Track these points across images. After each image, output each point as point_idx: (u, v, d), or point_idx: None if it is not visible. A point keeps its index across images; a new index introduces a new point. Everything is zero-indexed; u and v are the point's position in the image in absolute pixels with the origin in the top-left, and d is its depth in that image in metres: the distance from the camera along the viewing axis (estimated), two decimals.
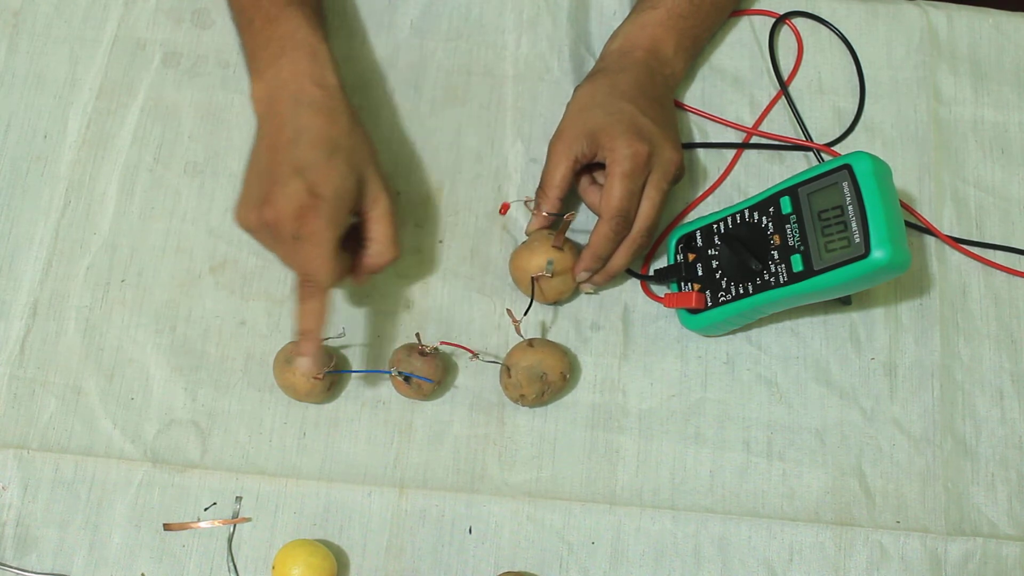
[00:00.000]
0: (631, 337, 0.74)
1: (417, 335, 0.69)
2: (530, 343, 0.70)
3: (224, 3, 0.81)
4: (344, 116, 0.67)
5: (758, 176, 0.79)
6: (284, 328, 0.73)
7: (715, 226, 0.71)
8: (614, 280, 0.75)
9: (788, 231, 0.66)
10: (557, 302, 0.74)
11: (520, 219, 0.76)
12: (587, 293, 0.75)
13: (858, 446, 0.72)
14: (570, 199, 0.74)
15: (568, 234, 0.71)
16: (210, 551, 0.68)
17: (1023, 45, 0.84)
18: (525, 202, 0.72)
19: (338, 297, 0.74)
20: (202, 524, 0.68)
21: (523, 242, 0.73)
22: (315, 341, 0.64)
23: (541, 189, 0.72)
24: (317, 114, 0.66)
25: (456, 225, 0.76)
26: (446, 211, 0.77)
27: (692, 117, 0.81)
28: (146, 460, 0.69)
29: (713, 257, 0.71)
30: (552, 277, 0.70)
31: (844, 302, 0.75)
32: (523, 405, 0.71)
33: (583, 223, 0.76)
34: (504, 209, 0.73)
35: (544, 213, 0.72)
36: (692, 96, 0.81)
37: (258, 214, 0.64)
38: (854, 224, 0.63)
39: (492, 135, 0.79)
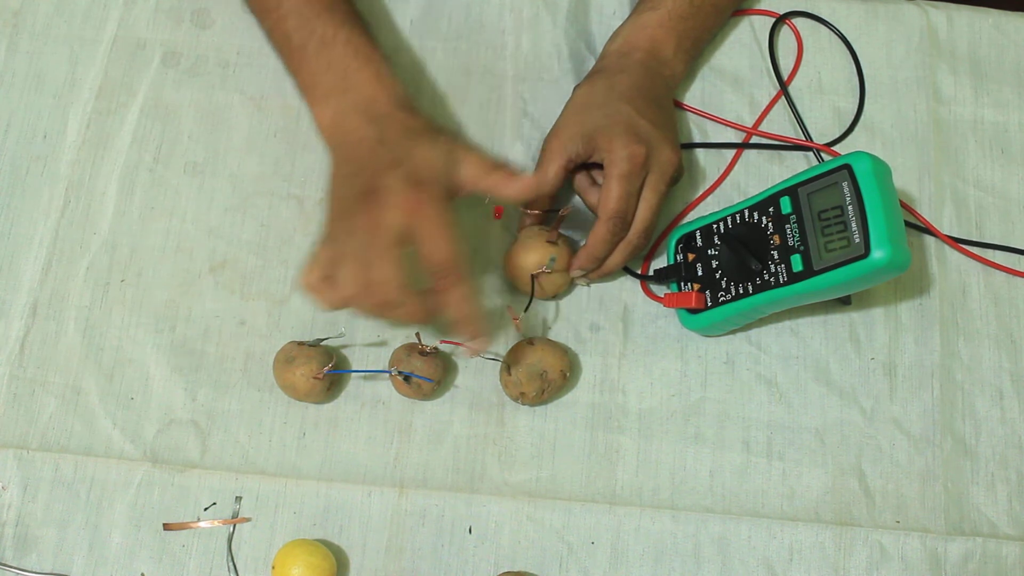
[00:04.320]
0: (631, 337, 0.74)
1: (417, 334, 0.69)
2: (530, 341, 0.70)
3: (224, 3, 0.81)
4: (419, 116, 0.67)
5: (758, 176, 0.79)
6: (284, 328, 0.73)
7: (715, 226, 0.71)
8: (611, 277, 0.75)
9: (788, 231, 0.66)
10: (555, 296, 0.74)
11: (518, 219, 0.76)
12: (580, 284, 0.75)
13: (858, 446, 0.72)
14: (563, 194, 0.74)
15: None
16: (210, 551, 0.68)
17: (1023, 45, 0.84)
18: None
19: None
20: (202, 524, 0.68)
21: (515, 240, 0.73)
22: (480, 322, 0.62)
23: None
24: (393, 122, 0.66)
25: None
26: None
27: (692, 117, 0.81)
28: (146, 460, 0.69)
29: (713, 257, 0.71)
30: (551, 273, 0.70)
31: (844, 302, 0.75)
32: (523, 403, 0.71)
33: (575, 219, 0.76)
34: (498, 214, 0.74)
35: (532, 210, 0.72)
36: (692, 96, 0.81)
37: (361, 219, 0.62)
38: (854, 224, 0.63)
39: (492, 135, 0.79)
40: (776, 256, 0.67)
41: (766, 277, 0.67)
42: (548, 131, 0.73)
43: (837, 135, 0.80)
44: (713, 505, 0.70)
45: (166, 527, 0.68)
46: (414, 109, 0.68)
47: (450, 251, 0.61)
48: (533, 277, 0.71)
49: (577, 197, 0.76)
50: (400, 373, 0.68)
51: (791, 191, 0.67)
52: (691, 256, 0.72)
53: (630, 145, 0.69)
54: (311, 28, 0.69)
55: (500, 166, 0.66)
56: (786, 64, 0.83)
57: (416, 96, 0.79)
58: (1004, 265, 0.77)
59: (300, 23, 0.69)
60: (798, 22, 0.84)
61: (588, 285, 0.75)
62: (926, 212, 0.78)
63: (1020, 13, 0.85)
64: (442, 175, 0.64)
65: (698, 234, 0.72)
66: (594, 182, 0.74)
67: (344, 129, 0.67)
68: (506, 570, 0.68)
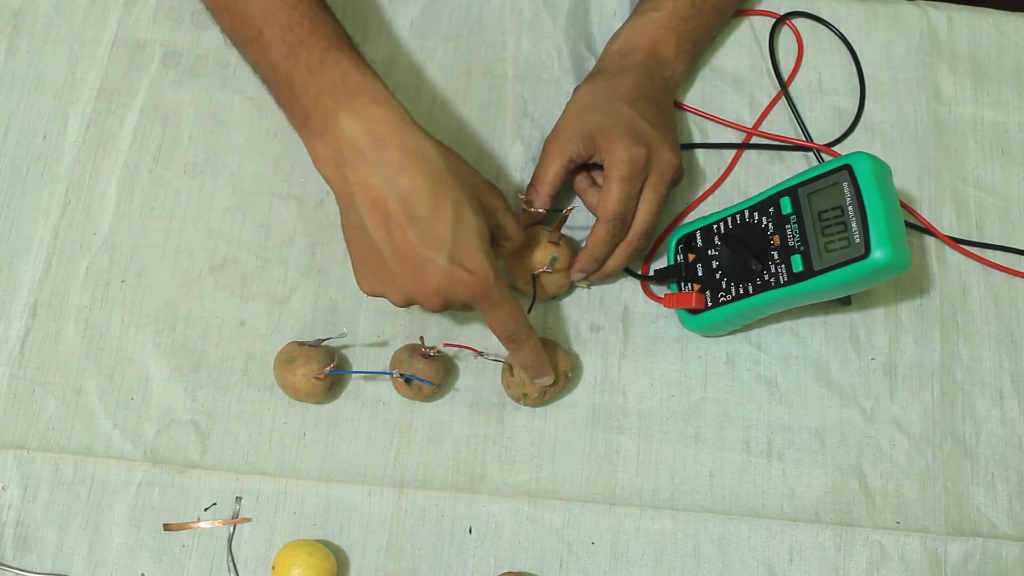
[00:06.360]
0: (631, 337, 0.74)
1: (421, 338, 0.69)
2: None
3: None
4: (435, 156, 0.59)
5: (758, 176, 0.79)
6: (284, 328, 0.73)
7: (715, 226, 0.71)
8: (612, 278, 0.75)
9: (788, 231, 0.66)
10: (556, 297, 0.74)
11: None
12: (580, 287, 0.75)
13: (858, 446, 0.72)
14: (564, 195, 0.74)
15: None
16: (210, 551, 0.68)
17: (1023, 45, 0.84)
18: (519, 198, 0.73)
19: (338, 296, 0.74)
20: (202, 524, 0.68)
21: None
22: (547, 369, 0.67)
23: (533, 186, 0.72)
24: (414, 174, 0.58)
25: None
26: None
27: (692, 117, 0.81)
28: (146, 460, 0.69)
29: (713, 257, 0.71)
30: (552, 272, 0.70)
31: (844, 302, 0.75)
32: (525, 404, 0.71)
33: (576, 220, 0.76)
34: None
35: (534, 209, 0.72)
36: (692, 96, 0.81)
37: (409, 297, 0.61)
38: (854, 224, 0.63)
39: (492, 135, 0.79)
40: (776, 256, 0.67)
41: (766, 277, 0.67)
42: (548, 131, 0.73)
43: (837, 135, 0.80)
44: (713, 505, 0.70)
45: (166, 527, 0.68)
46: (423, 146, 0.59)
47: (515, 325, 0.64)
48: (535, 277, 0.70)
49: (578, 197, 0.76)
50: (401, 376, 0.68)
51: (791, 191, 0.67)
52: (691, 256, 0.72)
53: (631, 147, 0.69)
54: (296, 56, 0.61)
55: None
56: (786, 64, 0.83)
57: (416, 97, 0.80)
58: (1004, 265, 0.77)
59: (285, 51, 0.61)
60: (798, 22, 0.84)
61: (588, 287, 0.75)
62: (926, 212, 0.78)
63: (1020, 13, 0.85)
64: (488, 256, 0.60)
65: (698, 234, 0.72)
66: (594, 183, 0.74)
67: (351, 175, 0.59)
68: (506, 570, 0.68)
